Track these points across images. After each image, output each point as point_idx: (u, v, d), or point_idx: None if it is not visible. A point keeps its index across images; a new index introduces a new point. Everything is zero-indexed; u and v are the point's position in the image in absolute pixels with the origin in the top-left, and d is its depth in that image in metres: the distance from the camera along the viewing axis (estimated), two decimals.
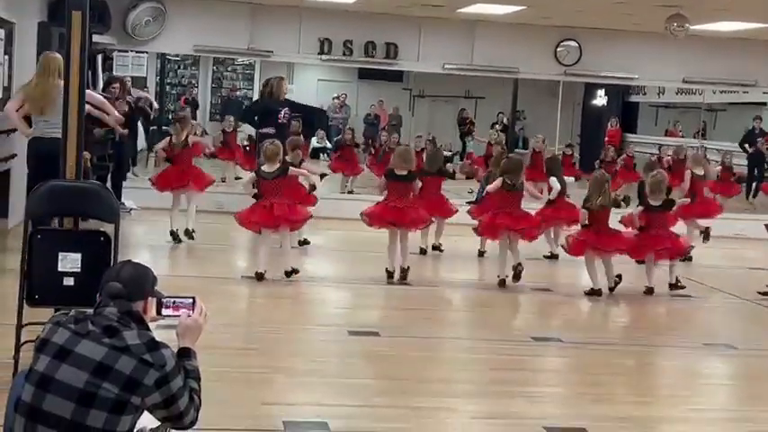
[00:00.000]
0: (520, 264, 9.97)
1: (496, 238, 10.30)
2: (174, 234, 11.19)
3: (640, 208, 10.15)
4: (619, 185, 14.13)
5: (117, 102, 12.86)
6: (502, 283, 10.02)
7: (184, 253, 11.13)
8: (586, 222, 10.04)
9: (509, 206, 10.13)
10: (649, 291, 10.07)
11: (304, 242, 11.43)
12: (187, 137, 11.30)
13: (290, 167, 9.85)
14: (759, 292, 10.25)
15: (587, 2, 11.72)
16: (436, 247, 11.67)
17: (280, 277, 9.54)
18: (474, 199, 13.09)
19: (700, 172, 12.16)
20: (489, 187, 10.20)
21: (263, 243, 9.70)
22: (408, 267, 9.97)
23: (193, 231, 11.23)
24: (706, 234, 11.81)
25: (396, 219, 9.93)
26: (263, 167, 9.73)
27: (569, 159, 17.14)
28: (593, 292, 9.86)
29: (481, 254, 11.63)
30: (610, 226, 10.13)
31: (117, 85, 13.15)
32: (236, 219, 9.84)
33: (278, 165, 9.68)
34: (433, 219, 10.80)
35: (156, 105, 14.24)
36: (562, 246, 10.57)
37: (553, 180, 11.35)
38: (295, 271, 9.63)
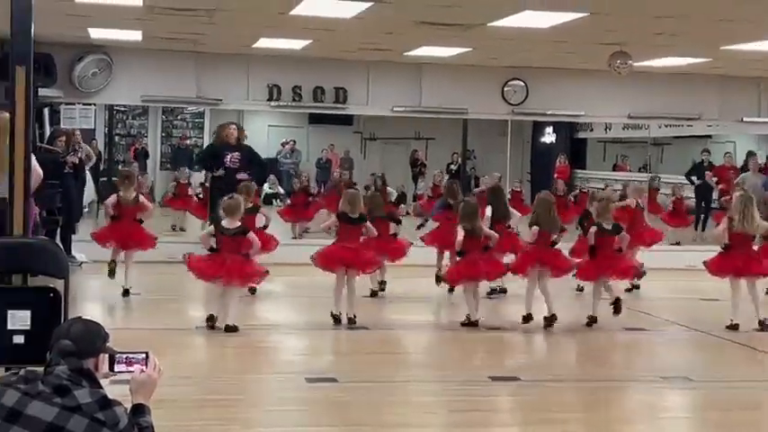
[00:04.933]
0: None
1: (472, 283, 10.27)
2: (126, 292, 11.03)
3: (594, 228, 10.24)
4: (572, 219, 14.25)
5: (68, 155, 12.74)
6: (472, 324, 10.03)
7: (137, 305, 11.00)
8: (533, 241, 10.17)
9: (473, 250, 10.11)
10: (592, 320, 10.14)
11: (252, 291, 11.28)
12: (137, 196, 11.23)
13: (251, 234, 9.64)
14: (727, 327, 10.25)
15: (532, 42, 11.88)
16: (380, 289, 11.62)
17: (243, 327, 9.44)
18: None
19: (641, 201, 12.33)
20: (459, 240, 10.11)
21: (229, 296, 9.50)
22: (355, 315, 9.92)
23: (130, 288, 11.05)
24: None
25: (348, 259, 9.90)
26: (222, 222, 9.58)
27: (519, 195, 17.32)
28: (526, 319, 9.98)
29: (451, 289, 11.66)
30: (552, 247, 10.25)
31: (62, 138, 13.03)
32: (187, 262, 9.74)
33: (238, 222, 9.58)
34: (381, 260, 10.82)
35: (90, 156, 14.04)
36: (506, 265, 10.66)
37: (487, 209, 11.41)
38: (234, 328, 9.37)
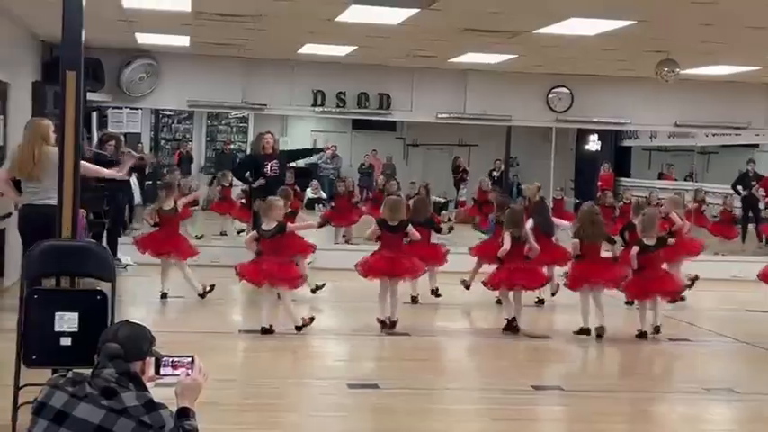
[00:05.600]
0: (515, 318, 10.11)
1: (510, 290, 10.29)
2: (164, 295, 11.13)
3: (636, 248, 10.14)
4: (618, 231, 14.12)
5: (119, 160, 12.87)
6: (512, 327, 10.04)
7: (182, 308, 11.09)
8: (578, 254, 10.11)
9: (516, 257, 10.13)
10: (642, 335, 10.04)
11: (317, 288, 11.42)
12: (175, 203, 11.34)
13: (288, 224, 9.85)
14: None
15: (577, 49, 11.82)
16: (434, 291, 11.65)
17: (284, 331, 9.52)
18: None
19: (680, 213, 12.22)
20: (505, 247, 10.15)
21: (266, 298, 9.66)
22: (397, 319, 9.96)
23: (211, 287, 11.21)
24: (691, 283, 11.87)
25: (389, 268, 9.96)
26: (262, 225, 9.75)
27: (561, 203, 17.20)
28: (582, 331, 9.89)
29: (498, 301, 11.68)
30: (602, 257, 10.20)
31: (112, 142, 13.17)
32: (236, 270, 9.85)
33: (275, 222, 9.69)
34: (426, 267, 10.82)
35: (152, 160, 14.24)
36: (563, 284, 10.63)
37: (529, 221, 11.37)
38: (305, 324, 9.56)
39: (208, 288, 11.22)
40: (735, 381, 8.57)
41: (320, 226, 10.98)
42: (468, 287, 11.74)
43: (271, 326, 9.47)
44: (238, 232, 16.08)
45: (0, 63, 10.46)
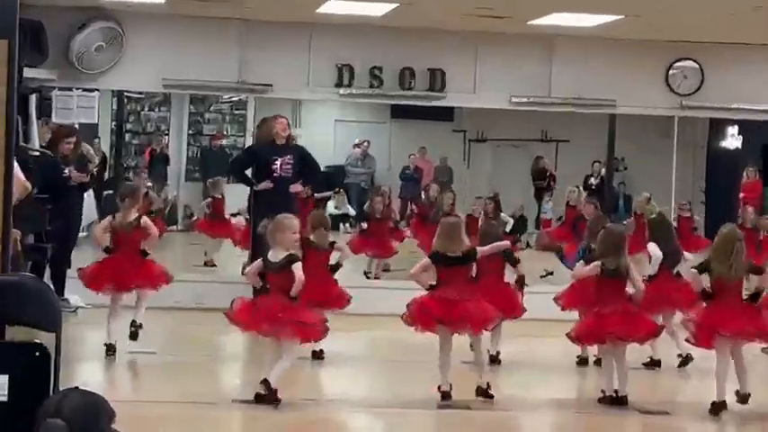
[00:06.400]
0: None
1: (602, 344, 10.32)
2: (110, 347, 11.02)
3: None
4: (764, 261, 14.04)
5: (72, 170, 12.98)
6: (605, 401, 10.01)
7: (155, 368, 11.13)
8: (707, 290, 10.00)
9: (612, 299, 10.09)
10: None
11: (318, 354, 11.36)
12: (139, 217, 11.36)
13: (296, 265, 9.64)
14: None
15: (711, 7, 11.79)
16: (494, 358, 11.57)
17: (298, 400, 9.53)
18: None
19: None
20: (582, 273, 10.17)
21: (271, 352, 9.63)
22: (450, 387, 9.71)
23: (140, 326, 11.13)
24: None
25: (448, 316, 9.87)
26: (269, 254, 9.73)
27: (688, 224, 17.09)
28: (718, 407, 9.80)
29: (584, 361, 11.67)
30: (743, 301, 10.11)
31: (72, 140, 13.24)
32: (227, 316, 9.88)
33: (285, 252, 9.66)
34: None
35: (94, 161, 14.34)
36: (686, 339, 10.58)
37: (652, 247, 11.30)
38: (270, 398, 9.28)
39: (140, 327, 11.14)
40: None
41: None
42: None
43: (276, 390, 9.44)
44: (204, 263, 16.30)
45: None
